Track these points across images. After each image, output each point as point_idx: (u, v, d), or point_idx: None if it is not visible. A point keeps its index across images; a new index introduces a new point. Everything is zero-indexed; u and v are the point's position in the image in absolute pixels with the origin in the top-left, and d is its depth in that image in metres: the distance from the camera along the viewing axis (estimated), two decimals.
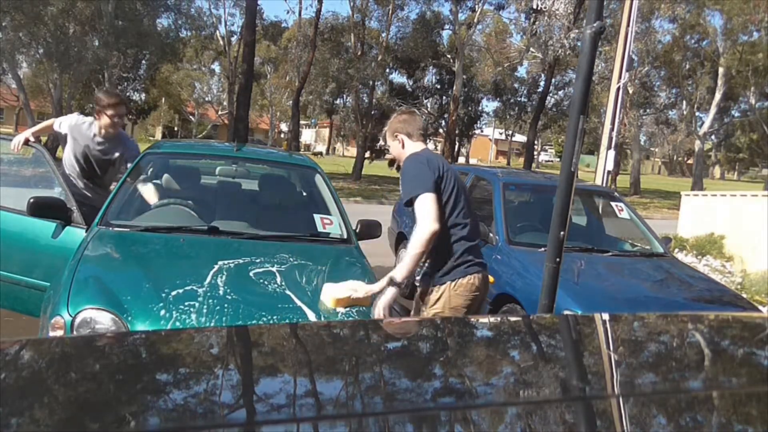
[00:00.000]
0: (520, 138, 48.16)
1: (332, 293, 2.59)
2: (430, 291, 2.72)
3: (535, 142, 38.57)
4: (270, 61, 34.89)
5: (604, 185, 8.40)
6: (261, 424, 0.79)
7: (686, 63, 25.52)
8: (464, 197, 2.77)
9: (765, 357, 1.18)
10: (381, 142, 22.33)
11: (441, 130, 28.37)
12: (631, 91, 21.33)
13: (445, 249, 2.68)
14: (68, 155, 3.96)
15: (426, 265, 2.74)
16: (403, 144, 2.87)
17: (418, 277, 2.79)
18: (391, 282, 2.57)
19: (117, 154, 3.96)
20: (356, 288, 2.62)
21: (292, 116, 22.97)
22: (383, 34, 24.97)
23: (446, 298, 2.68)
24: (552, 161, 59.97)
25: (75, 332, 2.34)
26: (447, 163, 2.86)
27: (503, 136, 55.19)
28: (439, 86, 30.76)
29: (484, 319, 1.98)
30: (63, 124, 3.99)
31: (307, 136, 55.77)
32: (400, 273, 2.57)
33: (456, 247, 2.69)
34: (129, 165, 3.89)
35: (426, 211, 2.55)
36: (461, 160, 38.85)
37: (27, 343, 1.07)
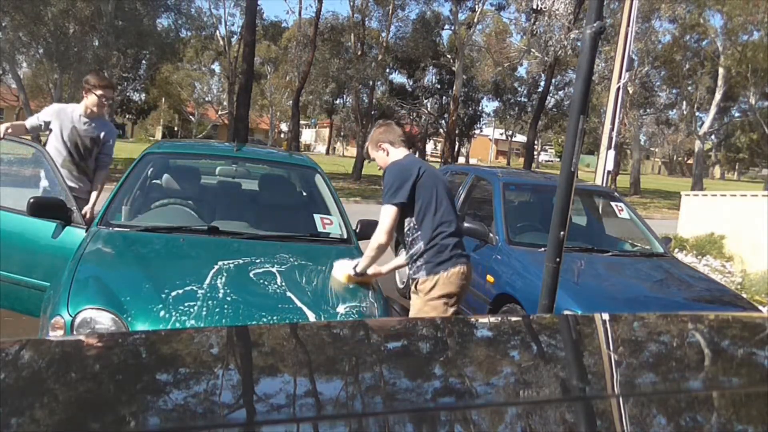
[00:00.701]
0: (520, 138, 48.13)
1: (346, 270, 2.93)
2: (425, 281, 2.96)
3: (535, 142, 38.57)
4: (270, 61, 34.89)
5: (604, 185, 8.39)
6: (261, 424, 0.79)
7: (686, 63, 25.51)
8: (447, 196, 3.02)
9: (765, 357, 1.18)
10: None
11: (441, 130, 28.37)
12: (631, 91, 21.33)
13: (437, 244, 2.94)
14: (54, 142, 4.01)
15: (421, 260, 2.98)
16: (387, 152, 3.12)
17: (413, 274, 3.06)
18: (354, 268, 2.95)
19: (103, 134, 4.14)
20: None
21: (292, 116, 22.97)
22: (383, 34, 24.97)
23: (441, 285, 2.93)
24: (552, 161, 59.97)
25: (75, 332, 2.34)
26: (427, 166, 3.09)
27: (503, 136, 55.18)
28: (439, 86, 30.78)
29: (484, 319, 1.98)
30: (43, 113, 4.09)
31: (307, 136, 55.76)
32: (360, 266, 2.94)
33: (446, 242, 2.95)
34: (111, 142, 4.20)
35: (384, 222, 2.93)
36: (461, 160, 38.85)
37: (27, 343, 1.07)
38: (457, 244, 2.98)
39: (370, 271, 2.96)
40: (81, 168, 4.08)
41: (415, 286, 3.02)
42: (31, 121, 4.09)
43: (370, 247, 2.98)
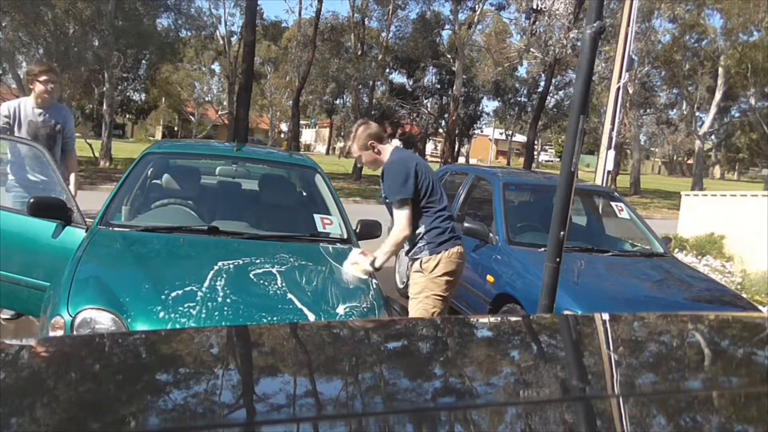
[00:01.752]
0: (520, 138, 48.11)
1: (363, 265, 3.06)
2: (428, 259, 3.16)
3: (535, 142, 38.55)
4: (270, 61, 34.86)
5: (604, 185, 8.38)
6: (261, 424, 0.79)
7: (686, 63, 25.51)
8: (439, 185, 3.27)
9: (765, 357, 1.18)
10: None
11: (441, 130, 28.36)
12: (631, 91, 21.32)
13: (437, 228, 3.19)
14: None
15: (422, 241, 3.19)
16: (379, 151, 3.27)
17: (414, 254, 3.26)
18: (372, 264, 3.10)
19: (59, 123, 4.27)
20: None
21: (292, 116, 22.95)
22: (383, 34, 24.97)
23: (443, 264, 3.16)
24: (552, 161, 59.93)
25: (75, 332, 2.34)
26: (419, 159, 3.32)
27: (503, 136, 55.15)
28: (439, 86, 30.78)
29: (484, 319, 1.98)
30: None
31: (307, 136, 55.74)
32: (378, 261, 3.11)
33: (445, 225, 3.21)
34: (70, 125, 4.37)
35: (403, 217, 3.11)
36: (461, 160, 38.82)
37: (27, 343, 1.07)
38: (453, 227, 3.28)
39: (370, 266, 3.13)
40: None
41: (420, 265, 3.20)
42: None
43: (391, 242, 3.14)
